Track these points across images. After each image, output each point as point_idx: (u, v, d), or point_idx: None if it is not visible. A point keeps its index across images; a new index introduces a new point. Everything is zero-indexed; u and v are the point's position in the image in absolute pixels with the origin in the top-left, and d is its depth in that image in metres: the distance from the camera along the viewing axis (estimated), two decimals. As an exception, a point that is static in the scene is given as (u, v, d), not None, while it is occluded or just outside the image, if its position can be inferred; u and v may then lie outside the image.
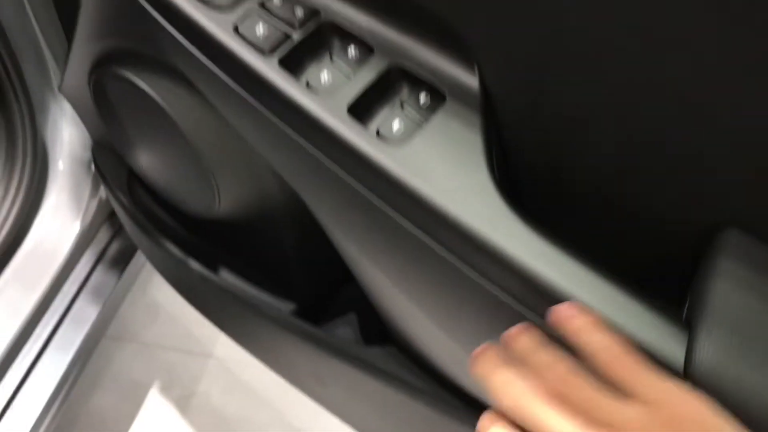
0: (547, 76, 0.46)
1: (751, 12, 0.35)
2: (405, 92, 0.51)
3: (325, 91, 0.50)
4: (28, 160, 1.02)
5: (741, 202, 0.44)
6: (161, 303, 1.51)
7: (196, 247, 0.89)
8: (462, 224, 0.45)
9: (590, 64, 0.43)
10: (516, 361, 0.38)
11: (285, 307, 0.89)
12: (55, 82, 0.98)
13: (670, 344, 0.41)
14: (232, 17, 0.52)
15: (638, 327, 0.42)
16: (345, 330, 0.88)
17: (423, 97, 0.50)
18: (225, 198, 0.76)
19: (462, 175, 0.46)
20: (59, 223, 1.09)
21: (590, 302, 0.42)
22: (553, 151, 0.50)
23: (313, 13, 0.52)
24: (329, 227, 0.60)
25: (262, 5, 0.52)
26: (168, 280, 0.98)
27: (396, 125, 0.48)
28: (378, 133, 0.48)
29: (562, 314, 0.40)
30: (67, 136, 1.06)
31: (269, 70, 0.50)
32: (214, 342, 1.46)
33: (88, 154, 1.07)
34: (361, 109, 0.49)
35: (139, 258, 1.22)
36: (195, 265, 0.86)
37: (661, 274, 0.48)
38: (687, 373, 0.40)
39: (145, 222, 0.90)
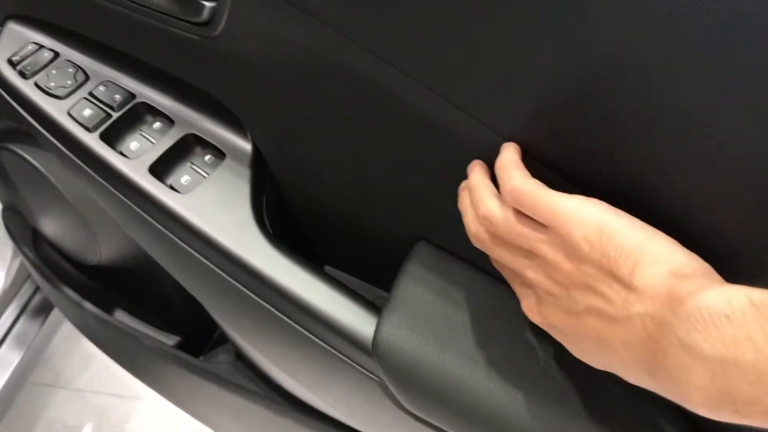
0: (290, 141, 0.63)
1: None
2: (196, 154, 0.67)
3: (134, 156, 0.65)
4: (-47, 225, 1.16)
5: (429, 225, 0.60)
6: (95, 351, 1.63)
7: (92, 291, 1.04)
8: (225, 247, 0.60)
9: (315, 134, 0.60)
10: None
11: (169, 340, 1.03)
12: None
13: (366, 324, 0.57)
14: (67, 104, 0.68)
15: (341, 312, 0.57)
16: (223, 357, 1.02)
17: (208, 157, 0.66)
18: (105, 248, 0.91)
19: (230, 213, 0.62)
20: (-16, 280, 1.23)
21: (308, 296, 0.58)
22: (303, 188, 0.66)
23: (129, 96, 0.69)
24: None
25: (91, 93, 0.69)
26: (71, 321, 1.13)
27: (185, 179, 0.64)
28: (172, 186, 0.64)
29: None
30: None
31: (92, 142, 0.66)
32: (142, 385, 1.59)
33: (8, 218, 1.22)
34: (160, 169, 0.65)
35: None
36: (89, 306, 1.01)
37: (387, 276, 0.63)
38: (374, 346, 0.55)
39: (48, 272, 1.04)
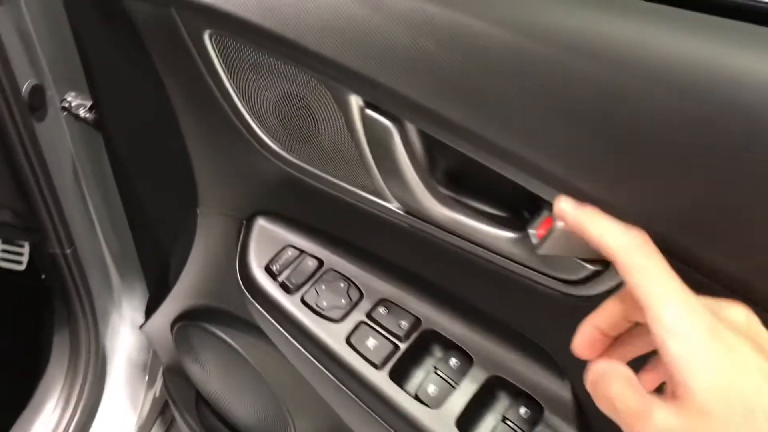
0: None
1: None
2: (505, 403, 0.57)
3: (435, 404, 0.55)
4: (90, 365, 1.07)
5: None
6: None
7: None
8: None
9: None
10: None
11: None
12: (116, 294, 1.04)
13: None
14: (344, 328, 0.58)
15: None
16: None
17: (523, 410, 0.56)
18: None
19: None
20: (117, 419, 1.13)
21: None
22: None
23: (415, 321, 0.59)
24: None
25: (370, 316, 0.59)
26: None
27: (504, 441, 0.54)
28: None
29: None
30: (125, 341, 1.12)
31: (383, 383, 0.56)
32: None
33: (143, 356, 1.12)
34: (467, 422, 0.55)
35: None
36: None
37: None
38: None
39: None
